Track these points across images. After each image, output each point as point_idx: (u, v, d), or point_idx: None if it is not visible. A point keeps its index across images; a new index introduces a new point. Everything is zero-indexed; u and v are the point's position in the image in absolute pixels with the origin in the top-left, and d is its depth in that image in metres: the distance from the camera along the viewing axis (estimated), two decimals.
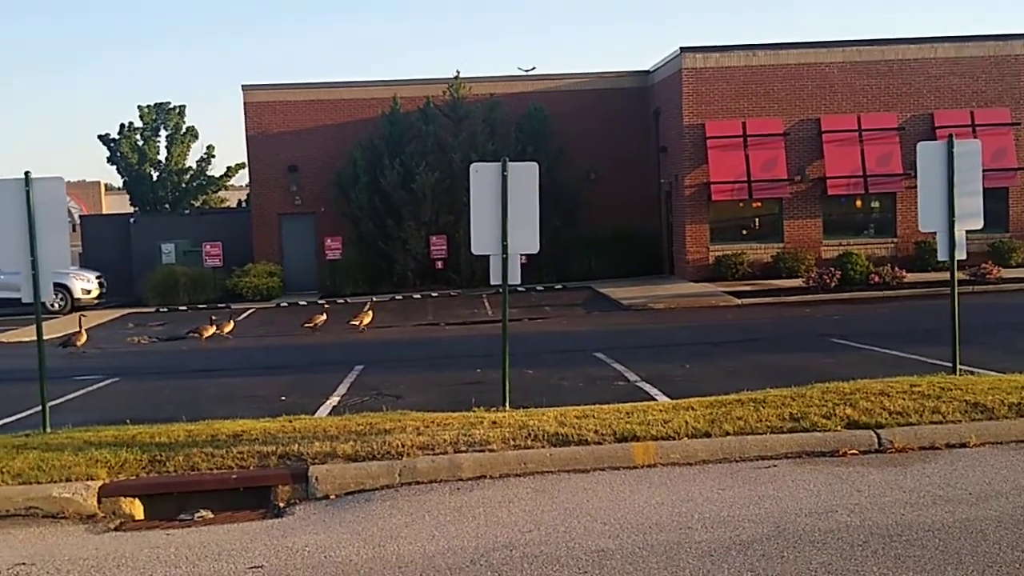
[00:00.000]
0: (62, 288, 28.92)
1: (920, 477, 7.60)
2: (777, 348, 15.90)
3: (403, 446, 8.57)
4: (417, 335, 20.96)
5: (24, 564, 6.61)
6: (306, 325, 22.09)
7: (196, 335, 21.02)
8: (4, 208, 9.75)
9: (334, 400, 12.42)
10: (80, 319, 21.48)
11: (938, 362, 12.26)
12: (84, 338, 20.28)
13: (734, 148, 27.98)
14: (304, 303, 28.91)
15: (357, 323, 21.64)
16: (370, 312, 22.03)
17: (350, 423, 9.63)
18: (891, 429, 8.66)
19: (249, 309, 27.70)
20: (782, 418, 9.00)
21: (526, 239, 10.11)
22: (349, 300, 28.72)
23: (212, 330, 20.97)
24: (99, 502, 7.94)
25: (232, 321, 21.92)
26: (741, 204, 28.79)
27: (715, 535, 6.43)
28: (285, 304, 28.94)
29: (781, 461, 8.26)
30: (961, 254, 10.77)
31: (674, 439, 8.57)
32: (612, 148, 32.17)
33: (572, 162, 31.04)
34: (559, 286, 29.37)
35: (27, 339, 22.34)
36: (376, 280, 30.82)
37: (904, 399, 9.44)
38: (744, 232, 29.05)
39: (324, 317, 22.31)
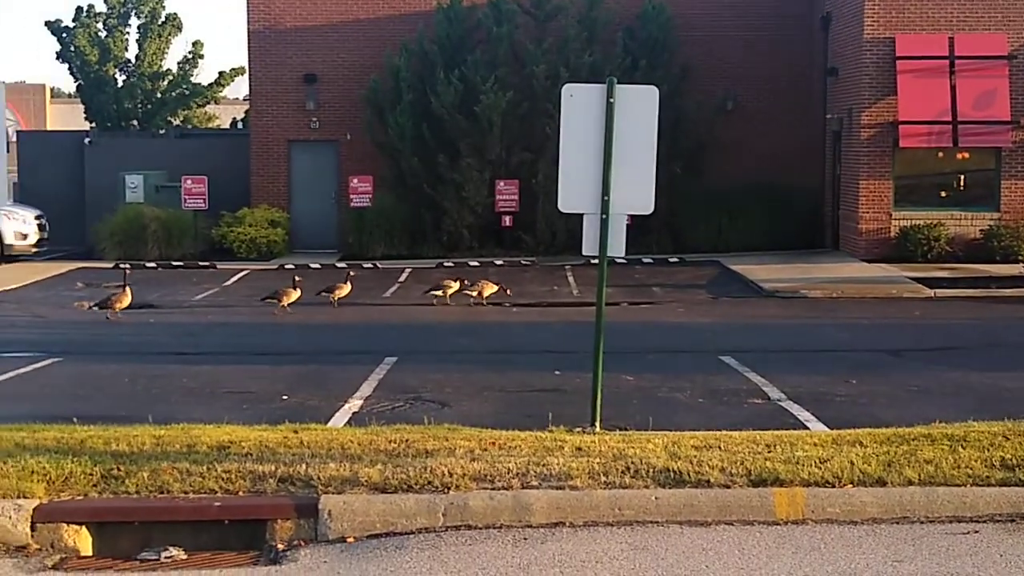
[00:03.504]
0: None
1: None
2: (985, 363, 15.66)
3: (451, 475, 8.63)
4: (472, 318, 21.03)
5: None
6: (431, 292, 22.52)
7: (274, 300, 21.24)
8: None
9: (355, 404, 12.55)
10: (126, 273, 22.30)
11: None
12: (127, 300, 20.22)
13: (935, 74, 27.48)
14: (317, 266, 29.00)
15: (473, 293, 22.04)
16: (492, 284, 22.31)
17: (378, 439, 9.72)
18: None
19: (242, 271, 28.00)
20: (990, 465, 8.89)
21: (636, 195, 10.10)
22: (380, 265, 28.87)
23: (297, 294, 21.18)
24: (33, 529, 8.11)
25: (350, 283, 22.26)
26: (941, 154, 28.34)
27: None
28: (291, 266, 28.81)
29: (985, 526, 8.16)
30: None
31: (833, 486, 8.52)
32: (759, 69, 31.90)
33: (701, 86, 30.88)
34: (674, 259, 29.32)
35: None
36: (419, 238, 31.02)
37: None
38: (943, 194, 28.62)
39: (457, 286, 22.43)
